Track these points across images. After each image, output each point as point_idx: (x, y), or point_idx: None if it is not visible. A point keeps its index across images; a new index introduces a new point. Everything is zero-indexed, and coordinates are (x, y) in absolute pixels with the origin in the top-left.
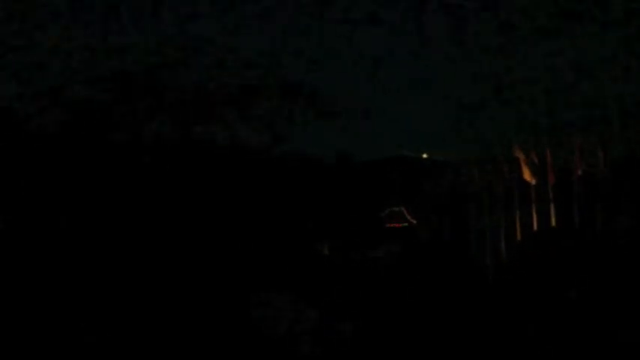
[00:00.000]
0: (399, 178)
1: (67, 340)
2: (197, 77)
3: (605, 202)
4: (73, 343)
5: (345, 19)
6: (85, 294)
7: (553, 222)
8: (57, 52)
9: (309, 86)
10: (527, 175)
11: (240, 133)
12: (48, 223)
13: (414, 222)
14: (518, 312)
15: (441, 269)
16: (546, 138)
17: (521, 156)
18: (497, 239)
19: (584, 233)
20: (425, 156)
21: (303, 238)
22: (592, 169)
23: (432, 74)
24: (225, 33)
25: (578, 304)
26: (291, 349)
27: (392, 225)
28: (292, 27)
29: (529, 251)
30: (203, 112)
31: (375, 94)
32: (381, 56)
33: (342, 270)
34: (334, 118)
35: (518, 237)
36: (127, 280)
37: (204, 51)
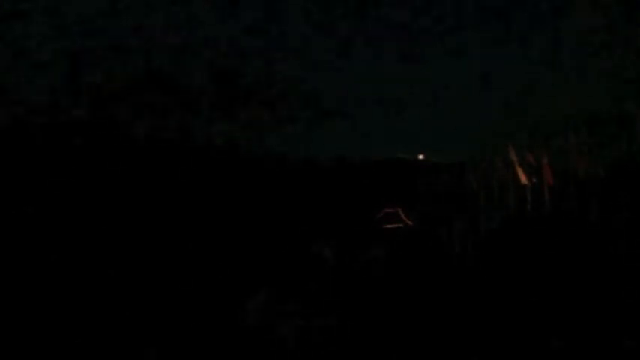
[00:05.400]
0: (395, 180)
1: (64, 340)
2: (193, 77)
3: (603, 202)
4: (70, 343)
5: (343, 19)
6: (80, 293)
7: (550, 223)
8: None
9: (306, 87)
10: (522, 177)
11: (236, 134)
12: (41, 219)
13: (410, 223)
14: (514, 312)
15: (437, 269)
16: (542, 139)
17: (515, 158)
18: (494, 239)
19: (582, 234)
20: (421, 157)
21: (299, 239)
22: (590, 169)
23: (429, 74)
24: (223, 32)
25: (574, 307)
26: (286, 347)
27: (388, 226)
28: (290, 27)
29: (525, 252)
30: (200, 112)
31: (371, 96)
32: (378, 57)
33: (338, 270)
34: (331, 120)
35: (515, 238)
36: (124, 279)
37: (200, 51)
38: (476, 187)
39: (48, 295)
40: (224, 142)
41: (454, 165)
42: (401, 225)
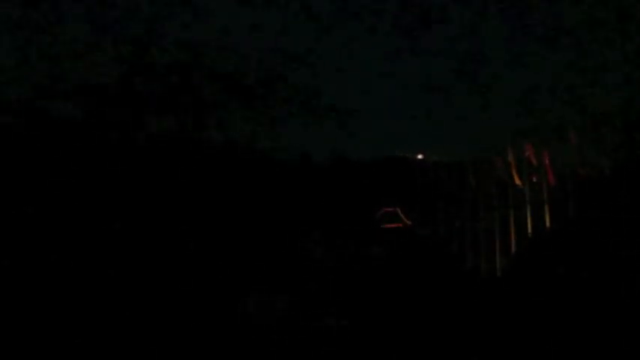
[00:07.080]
0: (394, 179)
1: (63, 340)
2: (190, 77)
3: (604, 203)
4: (69, 343)
5: (339, 18)
6: (79, 293)
7: (548, 224)
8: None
9: (303, 86)
10: (516, 178)
11: (234, 133)
12: (42, 219)
13: (409, 223)
14: (512, 313)
15: (435, 270)
16: (542, 139)
17: (512, 158)
18: (492, 240)
19: (582, 235)
20: (420, 157)
21: (298, 239)
22: (592, 170)
23: (427, 73)
24: (220, 32)
25: (575, 308)
26: (283, 346)
27: (386, 226)
28: (286, 26)
29: (524, 253)
30: (197, 111)
31: (369, 94)
32: (376, 55)
33: (336, 270)
34: (328, 118)
35: (513, 238)
36: (122, 279)
37: (196, 51)
38: (475, 186)
39: (46, 294)
40: (220, 140)
41: (454, 164)
42: (400, 225)
